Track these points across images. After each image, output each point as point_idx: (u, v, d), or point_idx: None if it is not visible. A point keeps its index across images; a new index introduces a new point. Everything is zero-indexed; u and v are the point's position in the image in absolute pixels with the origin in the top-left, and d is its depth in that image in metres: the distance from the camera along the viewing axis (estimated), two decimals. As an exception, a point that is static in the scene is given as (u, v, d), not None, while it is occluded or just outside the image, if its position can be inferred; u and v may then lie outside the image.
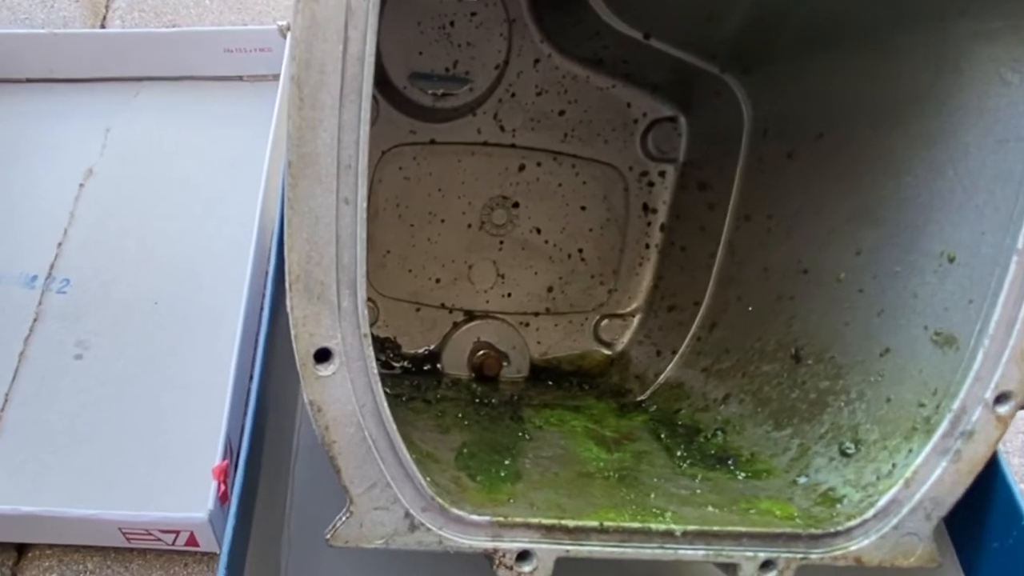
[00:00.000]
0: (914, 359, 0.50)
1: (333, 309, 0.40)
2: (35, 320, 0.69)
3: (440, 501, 0.43)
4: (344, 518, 0.42)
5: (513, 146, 0.69)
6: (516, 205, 0.70)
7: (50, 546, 0.62)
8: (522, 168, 0.70)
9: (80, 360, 0.67)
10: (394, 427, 0.42)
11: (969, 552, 0.53)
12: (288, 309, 0.39)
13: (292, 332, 0.40)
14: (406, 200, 0.67)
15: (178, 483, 0.60)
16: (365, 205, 0.38)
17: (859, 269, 0.55)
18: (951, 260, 0.49)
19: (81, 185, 0.77)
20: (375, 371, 0.42)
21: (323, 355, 0.40)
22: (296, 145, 0.37)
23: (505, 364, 0.71)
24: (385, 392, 0.66)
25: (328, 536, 0.42)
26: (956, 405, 0.46)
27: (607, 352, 0.75)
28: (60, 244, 0.74)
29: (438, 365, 0.70)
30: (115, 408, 0.64)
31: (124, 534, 0.58)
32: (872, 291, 0.54)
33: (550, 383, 0.72)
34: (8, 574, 0.60)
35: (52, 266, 0.72)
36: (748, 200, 0.66)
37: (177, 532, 0.58)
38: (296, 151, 0.37)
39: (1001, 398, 0.46)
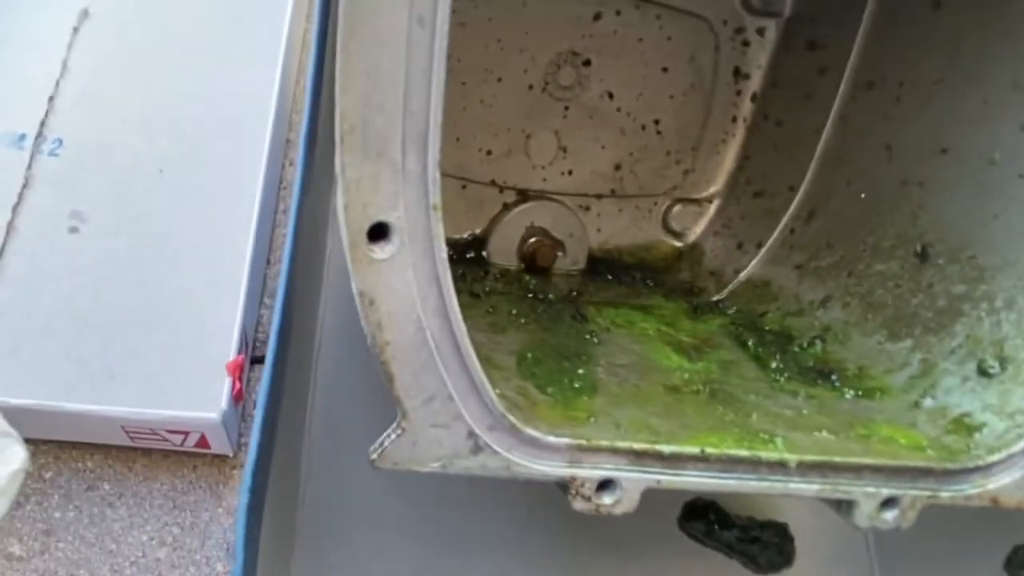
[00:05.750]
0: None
1: (396, 171, 0.31)
2: (24, 186, 0.61)
3: (511, 419, 0.37)
4: (394, 435, 0.36)
5: (588, -12, 0.59)
6: (587, 63, 0.61)
7: (45, 441, 0.58)
8: (598, 17, 0.60)
9: (76, 234, 0.60)
10: (462, 326, 0.35)
11: None
12: (337, 171, 0.31)
13: (341, 201, 0.31)
14: (459, 51, 0.57)
15: (187, 377, 0.54)
16: (447, 28, 0.29)
17: (1022, 149, 0.46)
18: None
19: (75, 29, 0.68)
20: (443, 254, 0.34)
21: (379, 232, 0.32)
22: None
23: (560, 254, 0.64)
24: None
25: (374, 456, 0.36)
26: None
27: (676, 243, 0.68)
28: (51, 99, 0.65)
29: (483, 253, 0.63)
30: (115, 290, 0.57)
31: (127, 432, 0.53)
32: (1038, 175, 0.46)
33: (609, 277, 0.65)
34: (4, 470, 0.55)
35: (43, 124, 0.64)
36: (872, 63, 0.57)
37: (186, 433, 0.53)
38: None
39: None
